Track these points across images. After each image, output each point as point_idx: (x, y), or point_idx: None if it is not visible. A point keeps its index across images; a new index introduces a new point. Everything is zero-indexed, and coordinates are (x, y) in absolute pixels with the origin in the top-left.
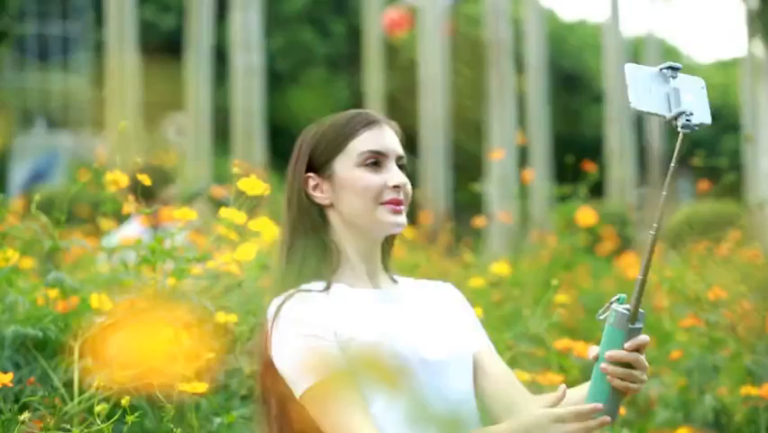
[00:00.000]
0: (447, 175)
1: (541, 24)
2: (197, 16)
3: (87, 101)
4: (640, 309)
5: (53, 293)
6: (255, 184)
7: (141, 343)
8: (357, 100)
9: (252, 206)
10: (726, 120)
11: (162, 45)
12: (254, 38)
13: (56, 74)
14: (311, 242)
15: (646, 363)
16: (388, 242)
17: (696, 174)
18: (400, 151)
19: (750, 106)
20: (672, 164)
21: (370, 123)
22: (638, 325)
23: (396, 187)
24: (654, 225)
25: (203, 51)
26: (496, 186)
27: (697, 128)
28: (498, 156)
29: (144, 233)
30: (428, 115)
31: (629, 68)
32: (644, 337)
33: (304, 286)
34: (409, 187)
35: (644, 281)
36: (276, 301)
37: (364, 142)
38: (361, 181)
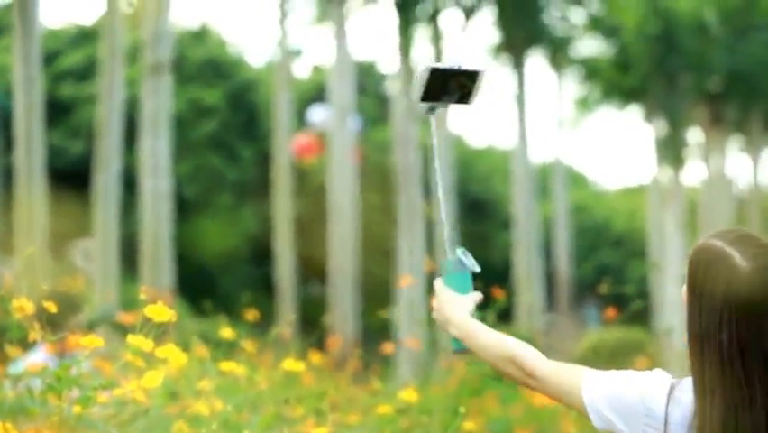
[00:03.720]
0: (356, 300)
1: (449, 150)
2: (106, 141)
3: None
4: (452, 259)
5: None
6: (162, 311)
7: None
8: (265, 226)
9: (160, 332)
10: (633, 247)
11: (71, 170)
12: (163, 163)
13: None
14: None
15: (434, 304)
16: None
17: (603, 301)
18: None
19: (657, 233)
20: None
21: None
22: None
23: None
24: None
25: (111, 176)
26: (404, 312)
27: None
28: (407, 282)
29: (50, 360)
30: (337, 240)
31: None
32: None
33: None
34: None
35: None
36: None
37: None
38: None
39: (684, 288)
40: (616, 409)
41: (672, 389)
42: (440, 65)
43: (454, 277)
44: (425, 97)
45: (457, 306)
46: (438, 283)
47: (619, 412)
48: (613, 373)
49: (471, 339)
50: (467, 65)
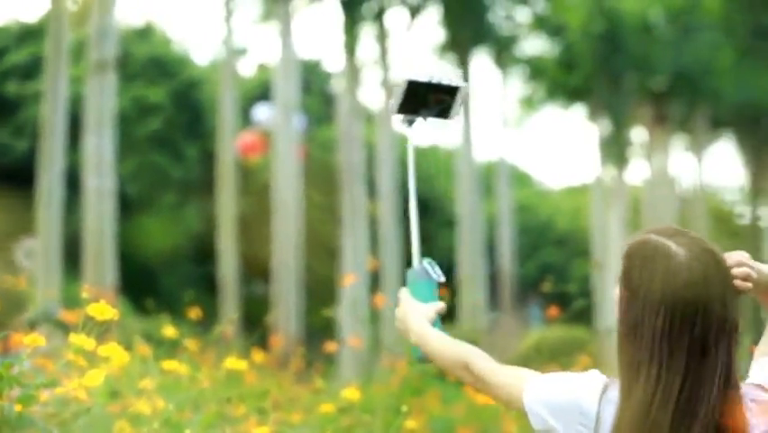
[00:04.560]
0: (299, 299)
1: (394, 149)
2: (50, 140)
3: None
4: (419, 267)
5: None
6: (105, 309)
7: None
8: (209, 224)
9: (102, 331)
10: (576, 246)
11: (15, 168)
12: (107, 161)
13: None
14: None
15: (396, 311)
16: None
17: (546, 300)
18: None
19: (600, 232)
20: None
21: None
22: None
23: None
24: None
25: (55, 175)
26: (347, 310)
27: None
28: (350, 281)
29: None
30: (281, 238)
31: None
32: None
33: None
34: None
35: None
36: None
37: None
38: None
39: (618, 284)
40: (552, 411)
41: (605, 388)
42: (418, 78)
43: (419, 286)
44: (401, 110)
45: (417, 314)
46: (402, 292)
47: (555, 414)
48: (551, 375)
49: (428, 347)
50: (446, 80)
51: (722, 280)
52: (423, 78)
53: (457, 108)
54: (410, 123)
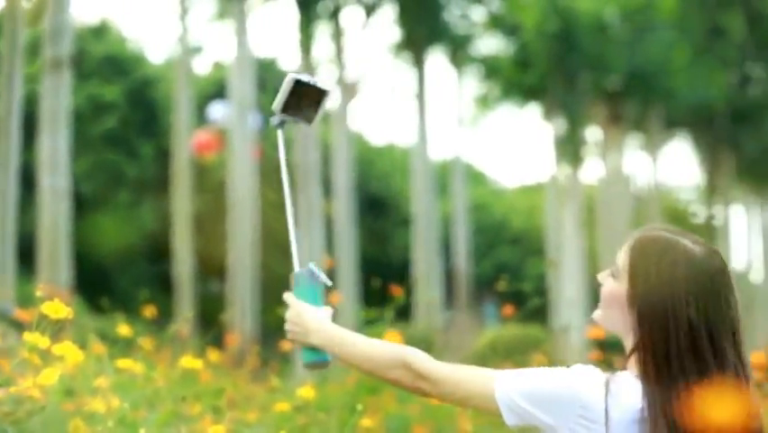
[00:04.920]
0: (254, 298)
1: (349, 148)
2: (5, 139)
3: None
4: (304, 270)
5: None
6: (59, 308)
7: None
8: (164, 223)
9: (56, 329)
10: (531, 244)
11: None
12: (61, 160)
13: None
14: None
15: (288, 315)
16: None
17: (501, 299)
18: (618, 262)
19: (555, 231)
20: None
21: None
22: (293, 286)
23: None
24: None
25: (9, 174)
26: None
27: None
28: None
29: None
30: (236, 237)
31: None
32: (284, 296)
33: None
34: (606, 288)
35: (293, 249)
36: None
37: None
38: None
39: (620, 280)
40: (538, 403)
41: (607, 383)
42: (303, 78)
43: (306, 290)
44: (284, 108)
45: (316, 315)
46: (289, 296)
47: (543, 406)
48: (524, 369)
49: (345, 347)
50: (321, 83)
51: (731, 274)
52: (308, 79)
53: (320, 114)
54: (282, 124)
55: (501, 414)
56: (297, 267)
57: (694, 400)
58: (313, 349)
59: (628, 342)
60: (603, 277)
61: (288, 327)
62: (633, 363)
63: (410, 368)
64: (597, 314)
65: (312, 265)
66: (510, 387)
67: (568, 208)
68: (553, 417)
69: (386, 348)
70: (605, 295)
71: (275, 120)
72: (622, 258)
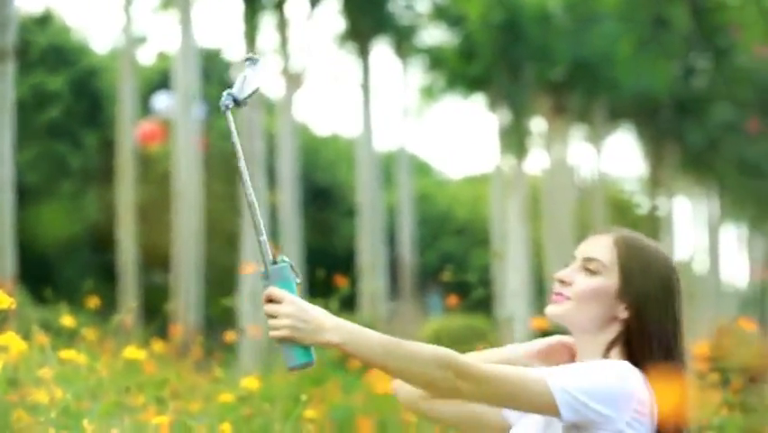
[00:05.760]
0: (199, 288)
1: (294, 138)
2: None
3: None
4: (279, 264)
5: None
6: (2, 298)
7: None
8: (108, 213)
9: None
10: (475, 235)
11: None
12: (5, 151)
13: None
14: None
15: (275, 309)
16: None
17: (446, 289)
18: (591, 254)
19: (499, 221)
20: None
21: (589, 234)
22: (265, 280)
23: (560, 281)
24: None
25: None
26: (247, 300)
27: (228, 106)
28: (250, 270)
29: None
30: (181, 228)
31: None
32: (267, 291)
33: None
34: (572, 280)
35: (264, 240)
36: None
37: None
38: None
39: (606, 276)
40: (602, 399)
41: (644, 379)
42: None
43: (289, 285)
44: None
45: (325, 312)
46: (278, 291)
47: (607, 402)
48: (573, 367)
49: (372, 346)
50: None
51: None
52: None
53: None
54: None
55: (557, 410)
56: (269, 260)
57: (671, 387)
58: (306, 349)
59: (600, 336)
60: (571, 274)
61: (286, 322)
62: (612, 354)
63: (451, 367)
64: (559, 309)
65: (283, 260)
66: (568, 384)
67: (512, 199)
68: (616, 411)
69: (422, 346)
70: (584, 290)
71: (231, 101)
72: (605, 255)
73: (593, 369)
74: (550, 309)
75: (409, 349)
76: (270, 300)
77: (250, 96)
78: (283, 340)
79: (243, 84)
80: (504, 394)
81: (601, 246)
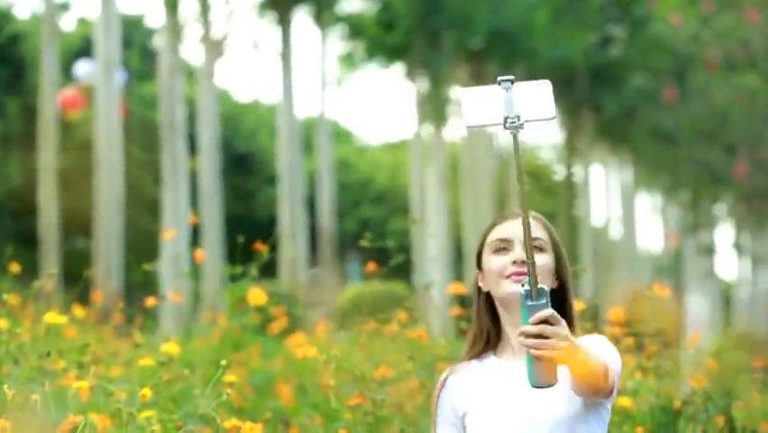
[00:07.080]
0: (120, 254)
1: (215, 105)
2: None
3: None
4: (542, 287)
5: None
6: None
7: None
8: (29, 179)
9: None
10: (394, 202)
11: None
12: None
13: None
14: (481, 324)
15: (556, 330)
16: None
17: (366, 256)
18: (536, 234)
19: (418, 189)
20: (516, 164)
21: (501, 218)
22: (540, 301)
23: (516, 262)
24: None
25: None
26: (168, 265)
27: (523, 127)
28: (171, 236)
29: None
30: (102, 194)
31: (464, 91)
32: (544, 311)
33: (460, 363)
34: (539, 262)
35: (533, 264)
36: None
37: (495, 233)
38: (491, 264)
39: (548, 253)
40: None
41: None
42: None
43: (529, 309)
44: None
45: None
46: (555, 312)
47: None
48: (607, 347)
49: (586, 359)
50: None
51: None
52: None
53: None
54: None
55: (611, 393)
56: (535, 283)
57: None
58: (556, 371)
59: None
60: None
61: (563, 345)
62: None
63: (607, 374)
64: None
65: (531, 286)
66: (618, 370)
67: (431, 166)
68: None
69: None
70: (543, 266)
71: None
72: (543, 234)
73: (614, 350)
74: (522, 288)
75: (598, 361)
76: (546, 321)
77: (533, 120)
78: (548, 359)
79: (510, 107)
80: (609, 381)
81: (536, 227)
